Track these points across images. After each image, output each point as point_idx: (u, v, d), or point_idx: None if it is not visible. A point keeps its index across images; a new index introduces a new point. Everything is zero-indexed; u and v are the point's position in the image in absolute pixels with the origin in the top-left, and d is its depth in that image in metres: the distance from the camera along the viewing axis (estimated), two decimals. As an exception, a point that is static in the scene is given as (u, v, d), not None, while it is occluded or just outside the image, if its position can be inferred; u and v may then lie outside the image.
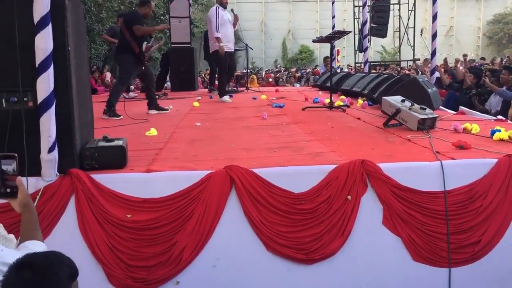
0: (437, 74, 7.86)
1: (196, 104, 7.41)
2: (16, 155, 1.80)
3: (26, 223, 1.85)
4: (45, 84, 2.86)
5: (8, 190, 1.79)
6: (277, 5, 35.25)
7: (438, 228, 3.12)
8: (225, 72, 8.12)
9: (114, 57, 10.25)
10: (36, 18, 2.80)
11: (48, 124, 2.89)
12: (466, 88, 8.06)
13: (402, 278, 3.15)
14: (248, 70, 13.73)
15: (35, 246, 1.70)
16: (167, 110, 6.72)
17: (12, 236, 1.89)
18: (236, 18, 8.57)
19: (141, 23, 6.40)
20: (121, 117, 5.95)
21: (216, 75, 8.81)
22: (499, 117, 5.46)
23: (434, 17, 7.39)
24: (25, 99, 2.95)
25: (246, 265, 3.06)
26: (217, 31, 7.62)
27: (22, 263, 1.36)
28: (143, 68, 6.53)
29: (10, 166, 1.79)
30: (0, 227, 1.83)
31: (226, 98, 7.89)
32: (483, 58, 21.81)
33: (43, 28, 2.81)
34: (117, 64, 9.85)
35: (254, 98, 8.35)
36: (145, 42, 6.39)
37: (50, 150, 2.91)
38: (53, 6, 2.85)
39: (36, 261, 1.38)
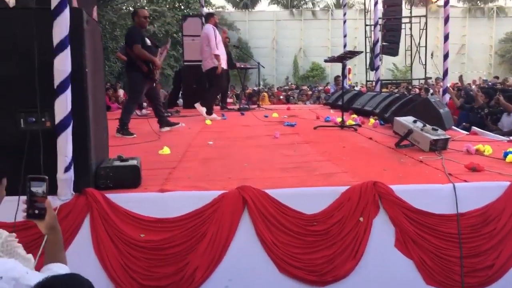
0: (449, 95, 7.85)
1: (208, 122, 7.47)
2: (46, 177, 1.84)
3: (51, 245, 1.88)
4: (63, 105, 2.92)
5: (36, 211, 1.83)
6: (289, 23, 35.55)
7: (451, 251, 3.11)
8: (220, 90, 8.61)
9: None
10: (56, 40, 2.88)
11: (65, 144, 2.94)
12: (478, 107, 8.05)
13: (415, 301, 3.12)
14: (260, 87, 13.79)
15: (59, 269, 1.73)
16: (178, 124, 6.76)
17: (30, 256, 1.92)
18: (224, 32, 8.91)
19: (139, 40, 6.24)
20: (135, 135, 6.01)
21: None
22: (512, 138, 5.44)
23: (446, 38, 7.39)
24: (43, 119, 3.01)
25: (258, 287, 3.06)
26: (217, 48, 7.82)
27: (43, 286, 1.38)
28: (154, 84, 6.58)
29: (40, 188, 1.82)
30: (19, 247, 1.86)
31: (213, 116, 7.92)
32: (496, 77, 21.69)
33: (62, 50, 2.89)
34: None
35: (266, 116, 8.40)
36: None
37: (66, 169, 2.96)
38: (72, 29, 2.93)
39: (57, 284, 1.40)
